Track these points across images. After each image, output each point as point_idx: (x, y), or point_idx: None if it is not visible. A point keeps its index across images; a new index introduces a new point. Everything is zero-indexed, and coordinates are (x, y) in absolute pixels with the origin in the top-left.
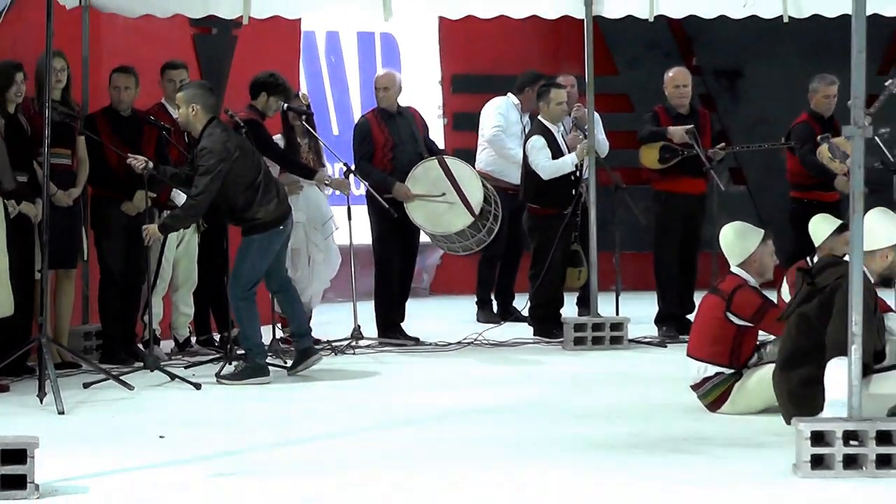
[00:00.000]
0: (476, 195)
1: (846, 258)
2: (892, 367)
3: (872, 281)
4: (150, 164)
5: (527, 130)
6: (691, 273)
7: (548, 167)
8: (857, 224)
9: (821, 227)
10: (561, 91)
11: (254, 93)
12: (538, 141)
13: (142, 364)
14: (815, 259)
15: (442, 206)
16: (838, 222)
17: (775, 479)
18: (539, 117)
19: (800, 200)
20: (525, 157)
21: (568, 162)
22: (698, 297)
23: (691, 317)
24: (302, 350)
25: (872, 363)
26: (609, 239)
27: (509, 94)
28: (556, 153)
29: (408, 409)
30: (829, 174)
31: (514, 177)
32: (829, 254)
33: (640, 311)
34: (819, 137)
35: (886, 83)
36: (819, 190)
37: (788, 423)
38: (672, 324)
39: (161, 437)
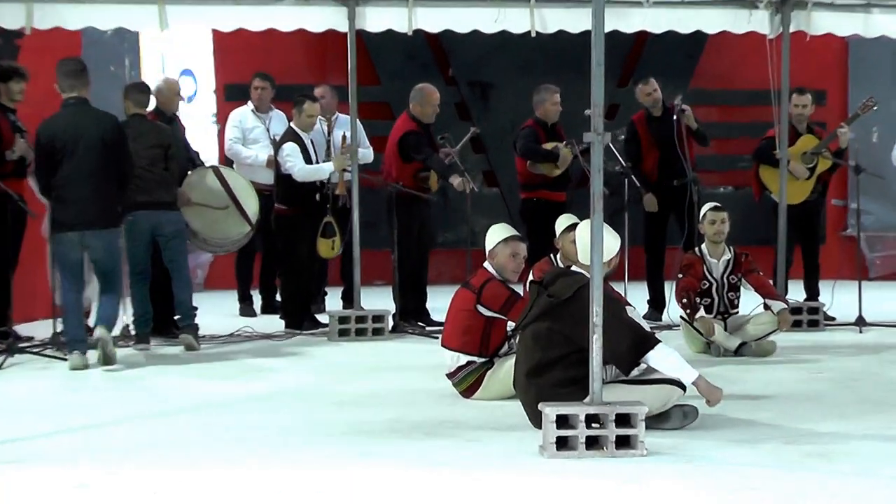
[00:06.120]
0: (252, 206)
1: (573, 267)
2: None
3: None
4: None
5: (270, 126)
6: (425, 268)
7: (304, 170)
8: (597, 222)
9: (559, 225)
10: (315, 105)
11: None
12: (290, 147)
13: None
14: (558, 256)
15: (219, 213)
16: (574, 221)
17: (523, 459)
18: (292, 124)
19: (529, 200)
20: (277, 161)
21: (324, 169)
22: (433, 291)
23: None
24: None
25: (653, 340)
26: (377, 237)
27: (248, 101)
28: (307, 159)
29: (183, 399)
30: (550, 156)
31: (264, 177)
32: (562, 250)
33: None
34: (564, 144)
35: (586, 112)
36: (545, 189)
37: (537, 426)
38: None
39: None
